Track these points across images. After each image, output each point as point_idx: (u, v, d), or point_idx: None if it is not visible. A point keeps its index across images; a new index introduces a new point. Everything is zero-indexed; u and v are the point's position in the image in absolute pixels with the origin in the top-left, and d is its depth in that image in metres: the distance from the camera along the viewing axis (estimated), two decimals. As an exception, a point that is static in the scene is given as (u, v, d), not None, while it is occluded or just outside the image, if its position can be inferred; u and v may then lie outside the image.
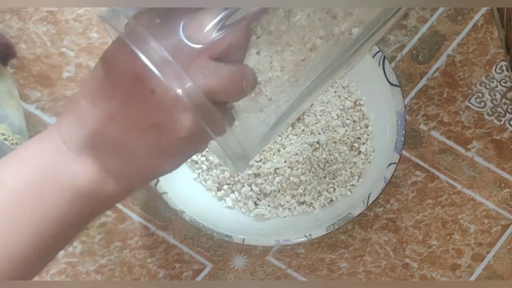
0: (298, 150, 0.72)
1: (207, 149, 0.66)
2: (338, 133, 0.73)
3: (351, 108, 0.74)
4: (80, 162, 0.44)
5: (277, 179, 0.72)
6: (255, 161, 0.72)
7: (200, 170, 0.73)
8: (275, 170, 0.72)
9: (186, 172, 0.74)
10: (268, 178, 0.72)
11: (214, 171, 0.73)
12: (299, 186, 0.72)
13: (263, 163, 0.72)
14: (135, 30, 0.43)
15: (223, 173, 0.72)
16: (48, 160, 0.44)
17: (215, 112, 0.43)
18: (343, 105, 0.74)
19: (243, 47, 0.45)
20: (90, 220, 0.47)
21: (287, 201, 0.72)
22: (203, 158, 0.73)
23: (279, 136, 0.73)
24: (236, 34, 0.44)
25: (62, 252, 0.73)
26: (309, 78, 0.48)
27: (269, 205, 0.73)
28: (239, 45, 0.45)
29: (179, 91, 0.42)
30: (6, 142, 0.69)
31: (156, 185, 0.69)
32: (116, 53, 0.44)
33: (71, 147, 0.44)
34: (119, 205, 0.74)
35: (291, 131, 0.73)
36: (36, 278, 0.72)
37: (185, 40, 0.43)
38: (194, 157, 0.74)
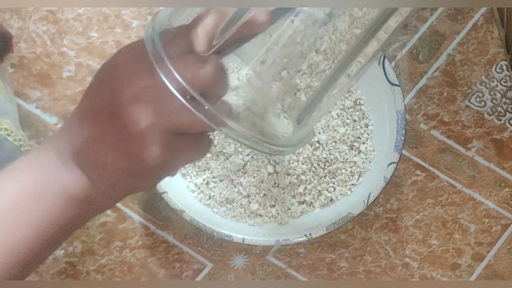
0: (298, 149, 0.72)
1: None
2: (338, 132, 0.73)
3: (351, 108, 0.74)
4: (70, 174, 0.50)
5: (277, 178, 0.72)
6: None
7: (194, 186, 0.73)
8: (275, 170, 0.72)
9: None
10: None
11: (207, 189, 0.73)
12: (299, 185, 0.72)
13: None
14: None
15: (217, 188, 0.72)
16: (45, 172, 0.50)
17: (179, 145, 0.48)
18: (343, 105, 0.74)
19: (218, 85, 0.48)
20: (84, 222, 0.53)
21: (287, 201, 0.72)
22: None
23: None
24: (210, 74, 0.47)
25: (62, 252, 0.73)
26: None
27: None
28: (212, 84, 0.48)
29: (147, 127, 0.47)
30: (9, 138, 0.68)
31: (156, 184, 0.69)
32: (102, 85, 0.49)
33: (63, 161, 0.50)
34: (119, 205, 0.74)
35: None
36: (36, 278, 0.72)
37: (161, 79, 0.47)
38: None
